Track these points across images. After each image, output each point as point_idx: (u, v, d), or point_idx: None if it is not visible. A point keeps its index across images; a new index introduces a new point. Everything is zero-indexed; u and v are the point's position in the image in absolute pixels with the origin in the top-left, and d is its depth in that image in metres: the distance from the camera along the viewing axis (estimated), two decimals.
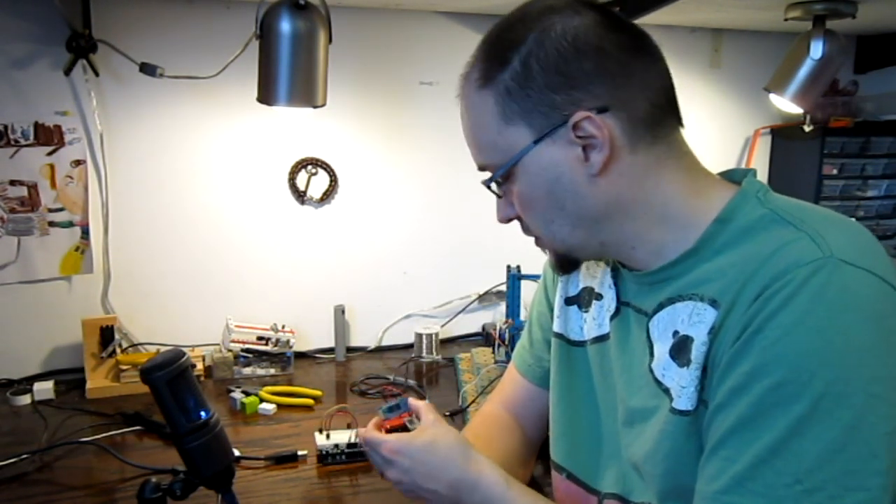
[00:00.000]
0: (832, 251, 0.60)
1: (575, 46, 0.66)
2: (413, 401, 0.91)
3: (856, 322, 0.58)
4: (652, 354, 0.72)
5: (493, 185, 0.75)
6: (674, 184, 0.70)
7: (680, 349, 0.68)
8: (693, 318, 0.67)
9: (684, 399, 0.67)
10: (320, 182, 1.86)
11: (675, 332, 0.69)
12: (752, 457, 0.59)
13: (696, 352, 0.66)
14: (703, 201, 0.70)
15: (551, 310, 0.92)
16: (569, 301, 0.89)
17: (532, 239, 0.78)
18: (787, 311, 0.59)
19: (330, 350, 1.89)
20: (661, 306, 0.72)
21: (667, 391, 0.70)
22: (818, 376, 0.57)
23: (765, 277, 0.61)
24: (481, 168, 0.76)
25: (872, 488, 0.56)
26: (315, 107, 1.51)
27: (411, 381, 1.68)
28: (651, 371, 0.72)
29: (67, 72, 1.58)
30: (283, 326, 1.76)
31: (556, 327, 0.90)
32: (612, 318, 0.80)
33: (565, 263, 0.79)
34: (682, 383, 0.67)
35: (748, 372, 0.60)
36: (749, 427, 0.60)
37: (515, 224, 0.78)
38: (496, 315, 2.04)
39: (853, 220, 0.67)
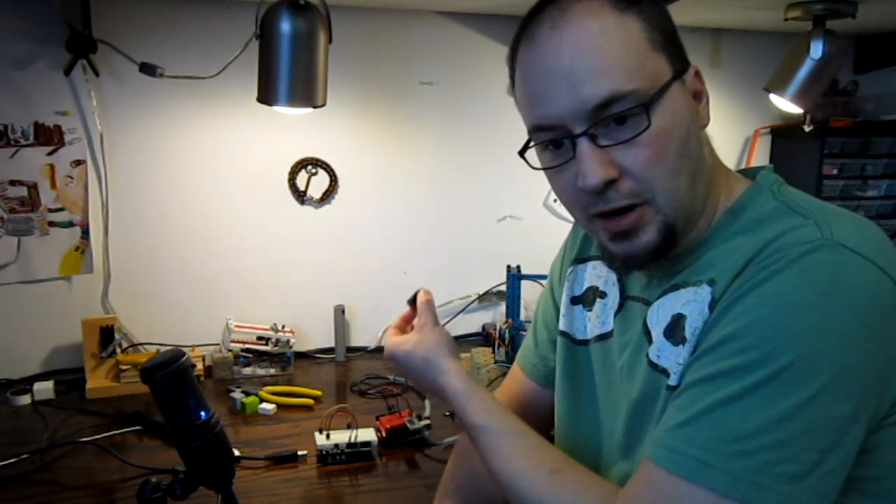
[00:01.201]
0: (833, 235, 0.60)
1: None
2: (419, 297, 0.91)
3: (841, 306, 0.58)
4: (650, 341, 0.72)
5: (630, 119, 0.64)
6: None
7: (674, 328, 0.69)
8: (690, 298, 0.68)
9: (681, 376, 0.67)
10: (320, 182, 1.86)
11: (672, 314, 0.70)
12: (700, 408, 0.60)
13: (690, 329, 0.66)
14: (719, 193, 0.71)
15: (557, 309, 0.92)
16: (574, 300, 0.89)
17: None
18: (773, 282, 0.59)
19: (330, 350, 1.89)
20: (664, 293, 0.72)
21: (664, 371, 0.69)
22: (786, 350, 0.57)
23: (763, 255, 0.62)
24: (607, 101, 0.63)
25: (805, 463, 0.56)
26: (315, 107, 1.51)
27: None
28: (647, 356, 0.72)
29: (67, 72, 1.58)
30: (283, 326, 1.76)
31: (561, 325, 0.90)
32: (616, 314, 0.80)
33: (662, 245, 0.67)
34: (678, 361, 0.67)
35: (723, 334, 0.61)
36: (707, 383, 0.61)
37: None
38: (496, 315, 2.03)
39: (868, 219, 0.66)
